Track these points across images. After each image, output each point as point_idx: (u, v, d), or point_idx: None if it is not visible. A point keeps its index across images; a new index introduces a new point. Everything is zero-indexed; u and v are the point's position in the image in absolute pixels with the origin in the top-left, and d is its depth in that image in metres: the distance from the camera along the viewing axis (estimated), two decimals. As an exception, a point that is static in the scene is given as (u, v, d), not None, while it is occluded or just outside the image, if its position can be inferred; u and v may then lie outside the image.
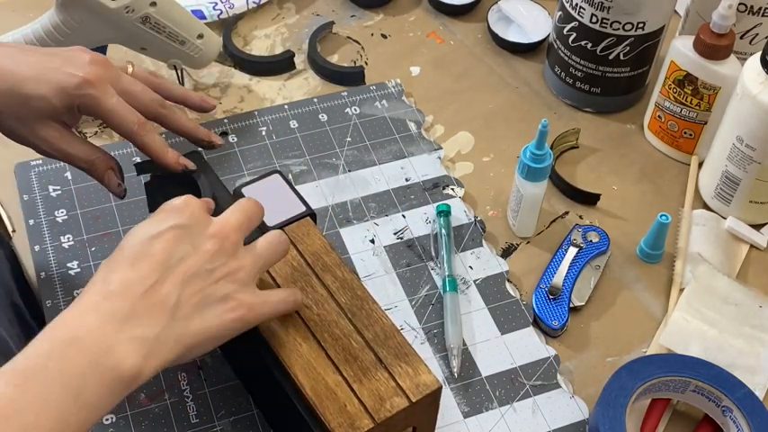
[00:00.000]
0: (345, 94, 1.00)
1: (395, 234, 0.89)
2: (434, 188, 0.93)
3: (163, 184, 0.78)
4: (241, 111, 0.99)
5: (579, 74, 0.98)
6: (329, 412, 0.64)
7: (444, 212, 0.89)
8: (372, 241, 0.88)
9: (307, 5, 1.11)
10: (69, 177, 0.90)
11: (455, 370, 0.79)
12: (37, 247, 0.85)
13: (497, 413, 0.77)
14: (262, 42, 1.06)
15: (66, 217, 0.87)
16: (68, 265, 0.84)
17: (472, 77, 1.04)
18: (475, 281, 0.86)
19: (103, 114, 0.71)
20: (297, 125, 0.97)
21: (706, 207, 0.93)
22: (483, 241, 0.89)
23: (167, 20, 0.91)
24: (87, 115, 0.73)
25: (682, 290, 0.86)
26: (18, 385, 0.53)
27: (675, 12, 0.98)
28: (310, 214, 0.76)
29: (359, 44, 1.07)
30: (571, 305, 0.83)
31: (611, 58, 0.95)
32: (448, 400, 0.78)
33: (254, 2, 1.07)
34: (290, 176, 0.92)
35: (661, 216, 0.86)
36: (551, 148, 0.87)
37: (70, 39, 0.88)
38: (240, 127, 0.96)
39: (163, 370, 0.59)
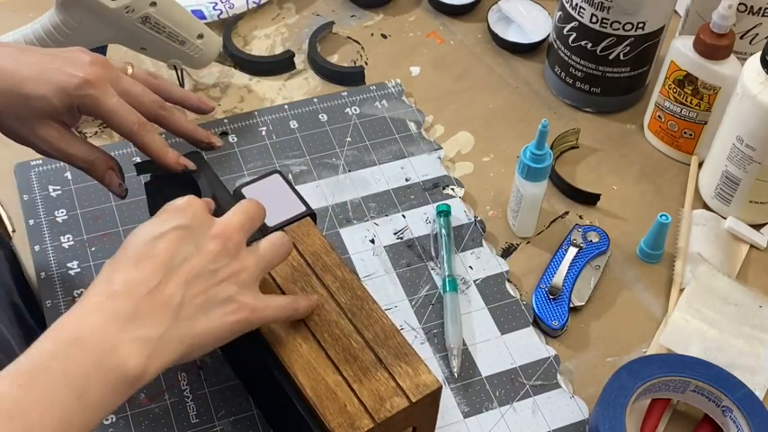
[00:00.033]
0: (345, 94, 1.00)
1: (395, 234, 0.89)
2: (434, 188, 0.93)
3: (163, 185, 0.78)
4: (241, 111, 0.99)
5: (579, 74, 0.98)
6: (329, 412, 0.64)
7: (444, 212, 0.89)
8: (372, 241, 0.88)
9: (307, 5, 1.11)
10: (69, 177, 0.90)
11: (455, 370, 0.79)
12: (37, 247, 0.85)
13: (497, 413, 0.77)
14: (262, 42, 1.06)
15: (66, 217, 0.87)
16: (68, 265, 0.84)
17: (472, 77, 1.04)
18: (475, 281, 0.86)
19: (103, 114, 0.71)
20: (297, 125, 0.97)
21: (706, 207, 0.93)
22: (483, 241, 0.89)
23: (167, 20, 0.91)
24: (87, 115, 0.73)
25: (682, 290, 0.86)
26: (22, 385, 0.53)
27: (675, 12, 0.98)
28: (310, 214, 0.76)
29: (359, 44, 1.07)
30: (571, 305, 0.83)
31: (611, 58, 0.95)
32: (448, 400, 0.78)
33: (254, 2, 1.07)
34: (290, 176, 0.92)
35: (661, 216, 0.86)
36: (551, 148, 0.87)
37: (70, 39, 0.88)
38: (240, 127, 0.96)
39: (165, 370, 0.59)
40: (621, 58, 0.95)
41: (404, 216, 0.90)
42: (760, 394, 0.77)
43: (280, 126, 0.97)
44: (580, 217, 0.92)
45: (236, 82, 1.02)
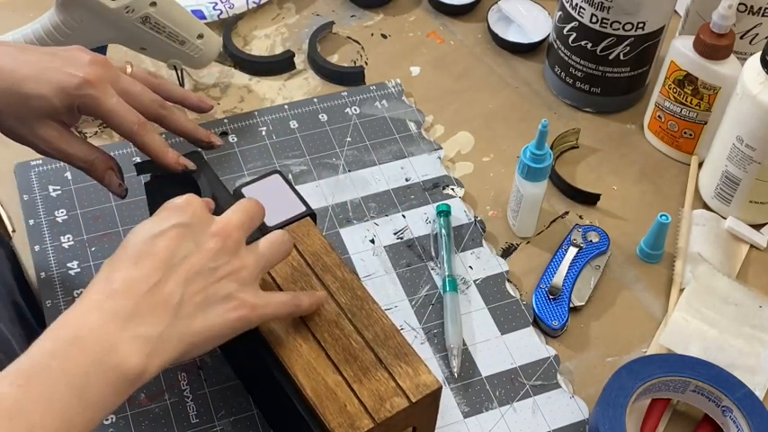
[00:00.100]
0: (345, 94, 1.00)
1: (395, 234, 0.89)
2: (434, 188, 0.93)
3: (163, 184, 0.78)
4: (241, 111, 0.99)
5: (579, 74, 0.98)
6: (329, 412, 0.64)
7: (444, 212, 0.89)
8: (372, 241, 0.88)
9: (307, 5, 1.11)
10: (69, 177, 0.90)
11: (455, 370, 0.79)
12: (37, 247, 0.85)
13: (497, 413, 0.77)
14: (262, 42, 1.06)
15: (66, 217, 0.87)
16: (68, 265, 0.84)
17: (472, 77, 1.04)
18: (475, 281, 0.86)
19: (103, 114, 0.71)
20: (297, 125, 0.97)
21: (706, 207, 0.93)
22: (483, 241, 0.89)
23: (167, 20, 0.91)
24: (87, 115, 0.73)
25: (682, 290, 0.86)
26: (22, 385, 0.53)
27: (675, 12, 0.98)
28: (310, 214, 0.76)
29: (359, 44, 1.07)
30: (571, 305, 0.83)
31: (611, 58, 0.95)
32: (448, 400, 0.78)
33: (254, 2, 1.07)
34: (290, 176, 0.92)
35: (661, 216, 0.86)
36: (551, 148, 0.87)
37: (70, 39, 0.88)
38: (240, 127, 0.96)
39: (165, 369, 0.59)
40: (621, 58, 0.95)
41: (404, 216, 0.90)
42: (760, 394, 0.77)
43: (280, 126, 0.97)
44: (580, 217, 0.92)
45: (236, 82, 1.02)
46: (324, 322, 0.69)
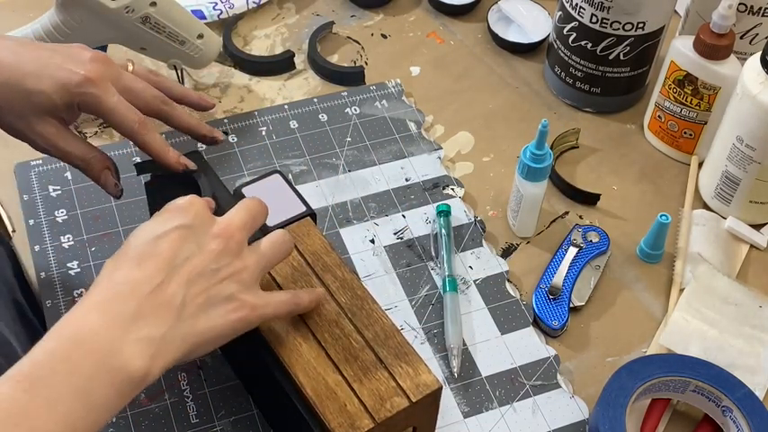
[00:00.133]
0: (345, 94, 1.00)
1: (395, 234, 0.89)
2: (434, 188, 0.93)
3: (163, 184, 0.78)
4: (241, 111, 0.99)
5: (579, 74, 0.98)
6: (329, 412, 0.64)
7: (444, 212, 0.89)
8: (372, 241, 0.88)
9: (307, 5, 1.11)
10: (69, 177, 0.90)
11: (455, 370, 0.79)
12: (37, 247, 0.85)
13: (497, 413, 0.77)
14: (262, 42, 1.06)
15: (66, 217, 0.87)
16: (68, 265, 0.84)
17: (472, 77, 1.04)
18: (475, 281, 0.86)
19: (104, 113, 0.71)
20: (297, 125, 0.97)
21: (706, 207, 0.93)
22: (483, 241, 0.89)
23: (167, 20, 0.91)
24: (88, 113, 0.73)
25: (682, 290, 0.86)
26: (26, 389, 0.53)
27: (675, 12, 0.98)
28: (310, 214, 0.76)
29: (359, 44, 1.07)
30: (571, 305, 0.83)
31: (611, 58, 0.95)
32: (448, 400, 0.78)
33: (254, 2, 1.07)
34: (290, 176, 0.92)
35: (661, 216, 0.86)
36: (551, 148, 0.87)
37: (70, 39, 0.88)
38: (240, 127, 0.96)
39: (168, 369, 0.59)
40: (621, 58, 0.95)
41: (404, 216, 0.90)
42: (760, 394, 0.77)
43: (280, 126, 0.97)
44: (580, 217, 0.92)
45: (236, 82, 1.02)
46: (324, 322, 0.69)
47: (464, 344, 0.81)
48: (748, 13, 0.92)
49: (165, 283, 0.59)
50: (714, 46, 0.88)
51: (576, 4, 0.93)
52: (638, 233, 0.90)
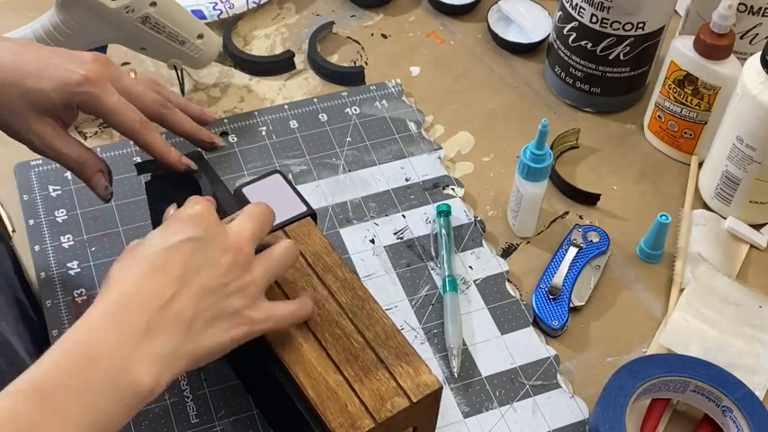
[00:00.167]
0: (345, 94, 1.00)
1: (395, 234, 0.89)
2: (434, 188, 0.93)
3: (163, 184, 0.78)
4: (241, 111, 0.99)
5: (579, 74, 0.98)
6: (330, 412, 0.64)
7: (444, 212, 0.89)
8: (372, 241, 0.88)
9: (307, 5, 1.11)
10: (69, 177, 0.90)
11: (455, 370, 0.79)
12: (37, 247, 0.85)
13: (497, 413, 0.77)
14: (262, 42, 1.06)
15: (66, 217, 0.87)
16: (68, 265, 0.84)
17: (472, 77, 1.04)
18: (475, 281, 0.86)
19: (104, 112, 0.71)
20: (297, 125, 0.97)
21: (706, 207, 0.93)
22: (483, 241, 0.89)
23: (167, 20, 0.91)
24: (87, 113, 0.73)
25: (682, 290, 0.86)
26: (36, 402, 0.53)
27: (675, 12, 0.98)
28: (311, 214, 0.76)
29: (359, 44, 1.07)
30: (571, 305, 0.83)
31: (611, 58, 0.95)
32: (448, 400, 0.78)
33: (254, 2, 1.07)
34: (290, 176, 0.92)
35: (661, 216, 0.86)
36: (551, 148, 0.87)
37: (70, 39, 0.88)
38: (240, 127, 0.96)
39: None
40: (621, 58, 0.95)
41: (404, 216, 0.90)
42: (760, 394, 0.77)
43: (280, 126, 0.97)
44: (580, 217, 0.92)
45: (236, 82, 1.02)
46: (325, 322, 0.69)
47: (464, 344, 0.81)
48: (748, 13, 0.92)
49: (175, 297, 0.59)
50: (714, 46, 0.88)
51: (576, 4, 0.93)
52: (638, 233, 0.90)
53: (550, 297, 0.83)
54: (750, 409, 0.73)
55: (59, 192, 0.89)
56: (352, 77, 1.02)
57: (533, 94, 1.03)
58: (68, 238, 0.86)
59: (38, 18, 0.90)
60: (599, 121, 1.01)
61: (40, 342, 0.78)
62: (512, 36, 1.07)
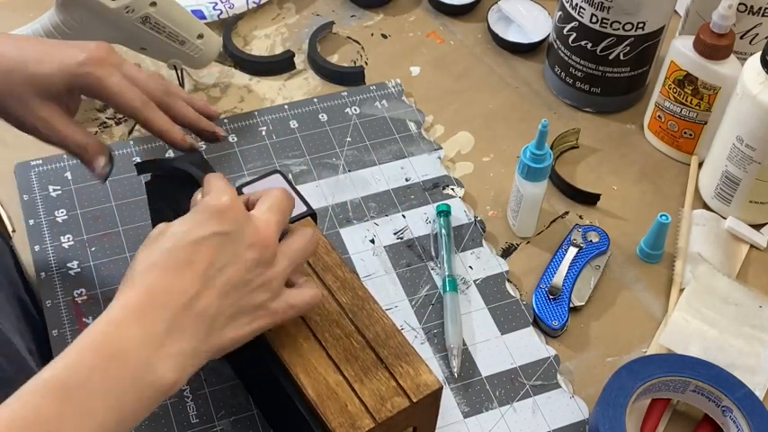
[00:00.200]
0: (345, 94, 1.00)
1: (395, 234, 0.89)
2: (434, 188, 0.93)
3: (163, 184, 0.77)
4: (241, 111, 0.99)
5: (579, 74, 0.98)
6: (330, 412, 0.64)
7: (444, 212, 0.89)
8: (372, 241, 0.88)
9: (307, 5, 1.11)
10: (69, 177, 0.90)
11: (455, 370, 0.79)
12: (37, 247, 0.85)
13: (497, 413, 0.77)
14: (262, 42, 1.06)
15: (66, 217, 0.87)
16: (68, 265, 0.84)
17: (472, 77, 1.04)
18: (475, 281, 0.86)
19: (107, 94, 0.71)
20: (297, 125, 0.97)
21: (706, 207, 0.93)
22: (483, 241, 0.89)
23: (167, 20, 0.91)
24: (90, 96, 0.73)
25: (682, 290, 0.86)
26: (61, 398, 0.53)
27: (675, 12, 0.98)
28: (311, 214, 0.76)
29: (359, 44, 1.07)
30: (571, 305, 0.83)
31: (611, 58, 0.95)
32: (448, 400, 0.78)
33: (254, 2, 1.07)
34: (291, 176, 0.92)
35: (661, 216, 0.86)
36: (551, 148, 0.87)
37: (70, 39, 0.88)
38: (240, 127, 0.96)
39: None
40: (621, 58, 0.95)
41: (404, 216, 0.90)
42: (760, 394, 0.77)
43: (280, 126, 0.97)
44: (580, 217, 0.92)
45: (236, 82, 1.02)
46: (325, 322, 0.69)
47: (464, 344, 0.81)
48: (748, 13, 0.92)
49: (200, 293, 0.59)
50: (714, 46, 0.88)
51: (576, 4, 0.93)
52: (638, 233, 0.90)
53: (550, 297, 0.83)
54: (750, 409, 0.73)
55: (59, 192, 0.89)
56: (352, 77, 1.02)
57: (533, 94, 1.03)
58: (68, 238, 0.86)
59: (38, 18, 0.90)
60: (599, 121, 1.01)
61: (42, 341, 0.78)
62: (512, 36, 1.07)
